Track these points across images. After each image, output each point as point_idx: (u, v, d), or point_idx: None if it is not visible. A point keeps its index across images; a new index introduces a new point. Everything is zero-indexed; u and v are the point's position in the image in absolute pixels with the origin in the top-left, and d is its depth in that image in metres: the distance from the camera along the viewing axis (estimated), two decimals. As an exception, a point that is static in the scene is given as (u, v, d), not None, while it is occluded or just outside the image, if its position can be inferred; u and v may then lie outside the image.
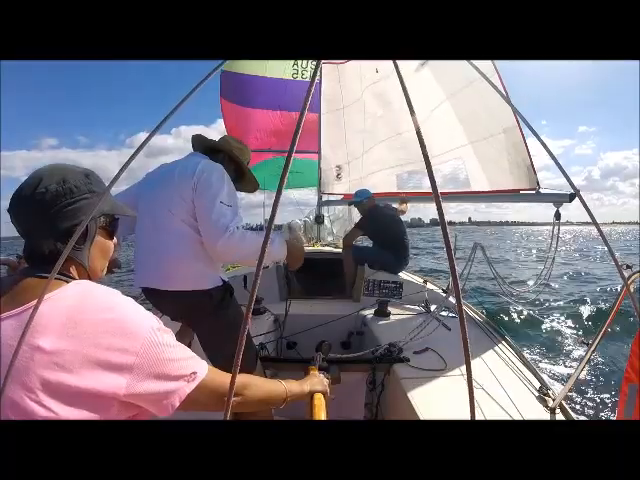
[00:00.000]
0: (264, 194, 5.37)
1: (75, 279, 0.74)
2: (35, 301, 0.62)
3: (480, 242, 2.44)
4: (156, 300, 1.55)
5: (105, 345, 0.63)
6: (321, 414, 1.03)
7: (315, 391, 1.12)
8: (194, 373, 0.74)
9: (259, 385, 0.93)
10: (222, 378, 0.83)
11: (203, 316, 1.54)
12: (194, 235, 1.47)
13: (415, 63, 3.39)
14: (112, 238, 0.87)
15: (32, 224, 0.72)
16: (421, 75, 3.39)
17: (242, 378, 0.91)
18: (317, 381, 1.17)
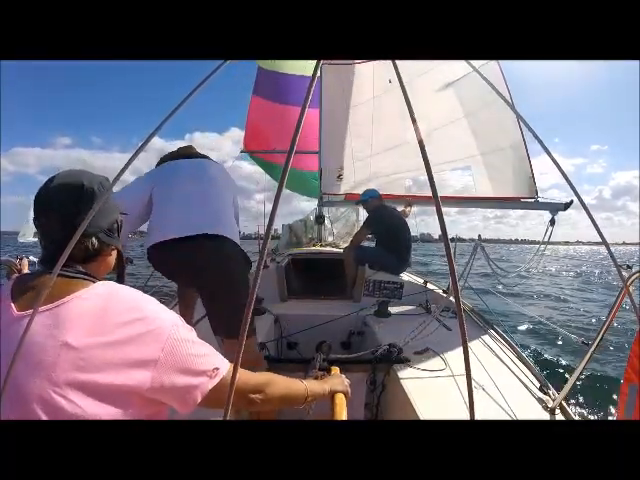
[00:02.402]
0: (264, 196, 5.40)
1: (98, 278, 0.76)
2: (67, 297, 0.66)
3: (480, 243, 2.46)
4: (189, 248, 1.62)
5: (131, 342, 0.66)
6: (342, 414, 1.03)
7: (336, 391, 1.11)
8: (216, 369, 0.75)
9: (281, 383, 0.94)
10: (244, 375, 0.85)
11: (233, 265, 1.67)
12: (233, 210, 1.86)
13: (440, 82, 3.81)
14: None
15: (75, 222, 0.72)
16: (446, 92, 3.79)
17: (264, 376, 0.92)
18: (338, 381, 1.16)
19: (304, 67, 5.86)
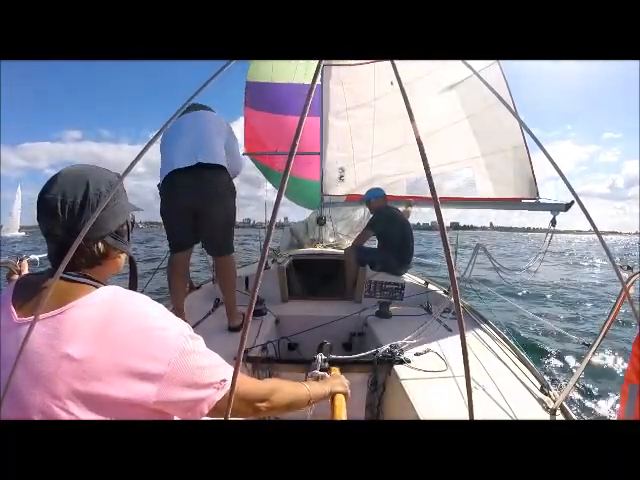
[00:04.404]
0: (266, 192, 5.40)
1: (102, 283, 0.73)
2: (68, 305, 0.63)
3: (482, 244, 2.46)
4: (190, 176, 2.11)
5: (135, 353, 0.62)
6: (341, 414, 1.03)
7: (336, 392, 1.11)
8: (223, 380, 0.74)
9: (285, 390, 0.94)
10: (250, 384, 0.85)
11: (223, 193, 2.19)
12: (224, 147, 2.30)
13: (442, 84, 3.83)
14: (132, 231, 0.92)
15: (80, 224, 0.69)
16: (448, 94, 3.81)
17: (269, 384, 0.92)
18: (338, 382, 1.17)
19: (303, 75, 5.77)
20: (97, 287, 0.69)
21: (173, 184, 2.15)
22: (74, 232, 0.69)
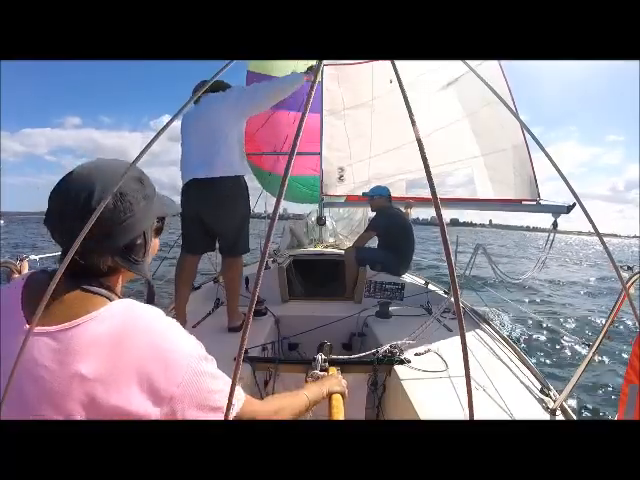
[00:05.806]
0: (265, 197, 5.38)
1: (116, 293, 0.71)
2: (79, 319, 0.60)
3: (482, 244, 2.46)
4: (198, 189, 2.21)
5: (147, 372, 0.61)
6: (339, 415, 1.03)
7: (333, 392, 1.11)
8: (232, 405, 0.73)
9: (287, 408, 0.93)
10: (256, 408, 0.83)
11: (231, 195, 2.23)
12: (235, 136, 2.26)
13: (442, 81, 3.80)
14: (159, 235, 0.86)
15: (85, 238, 0.66)
16: (447, 92, 3.80)
17: (275, 405, 0.90)
18: (335, 382, 1.16)
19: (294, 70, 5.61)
20: (111, 299, 0.67)
21: (184, 194, 2.32)
22: (69, 241, 0.64)
